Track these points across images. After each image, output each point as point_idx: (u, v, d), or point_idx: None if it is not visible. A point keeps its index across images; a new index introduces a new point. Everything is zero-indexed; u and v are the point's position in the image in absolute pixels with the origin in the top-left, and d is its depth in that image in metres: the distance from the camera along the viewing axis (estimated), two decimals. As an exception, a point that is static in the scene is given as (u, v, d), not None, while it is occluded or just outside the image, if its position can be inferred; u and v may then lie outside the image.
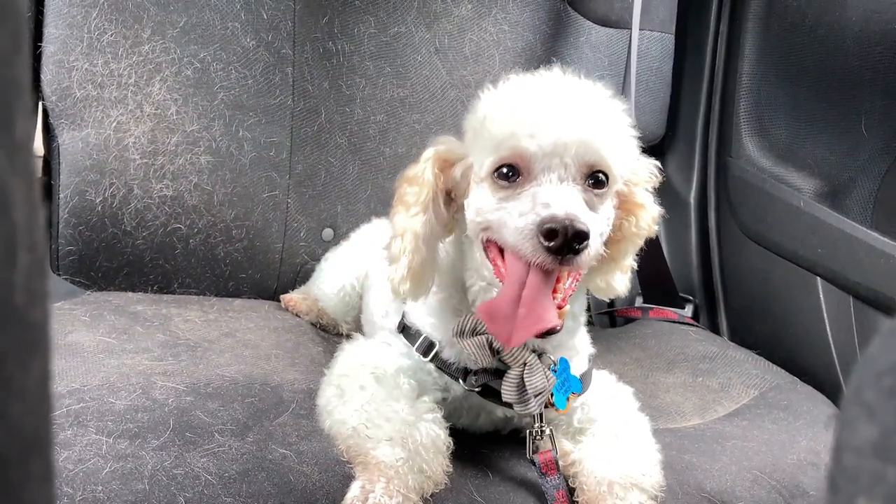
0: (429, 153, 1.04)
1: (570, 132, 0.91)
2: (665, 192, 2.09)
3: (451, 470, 0.97)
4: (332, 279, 1.51)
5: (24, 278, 0.19)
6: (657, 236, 2.02)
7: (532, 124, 0.91)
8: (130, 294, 1.48)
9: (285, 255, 1.64)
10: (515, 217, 0.90)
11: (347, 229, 1.64)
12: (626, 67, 1.66)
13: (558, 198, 0.89)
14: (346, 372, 1.04)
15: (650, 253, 2.02)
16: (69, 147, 1.47)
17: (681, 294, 1.93)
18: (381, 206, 1.71)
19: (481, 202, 0.96)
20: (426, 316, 1.08)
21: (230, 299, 1.56)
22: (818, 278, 1.64)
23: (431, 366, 1.06)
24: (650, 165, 1.08)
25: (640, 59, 1.88)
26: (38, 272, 0.20)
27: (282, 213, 1.62)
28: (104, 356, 1.16)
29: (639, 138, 1.79)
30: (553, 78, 0.98)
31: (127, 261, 1.51)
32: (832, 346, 1.61)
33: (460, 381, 1.04)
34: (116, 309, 1.36)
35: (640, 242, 1.09)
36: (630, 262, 1.11)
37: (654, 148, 2.03)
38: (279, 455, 0.97)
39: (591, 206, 0.94)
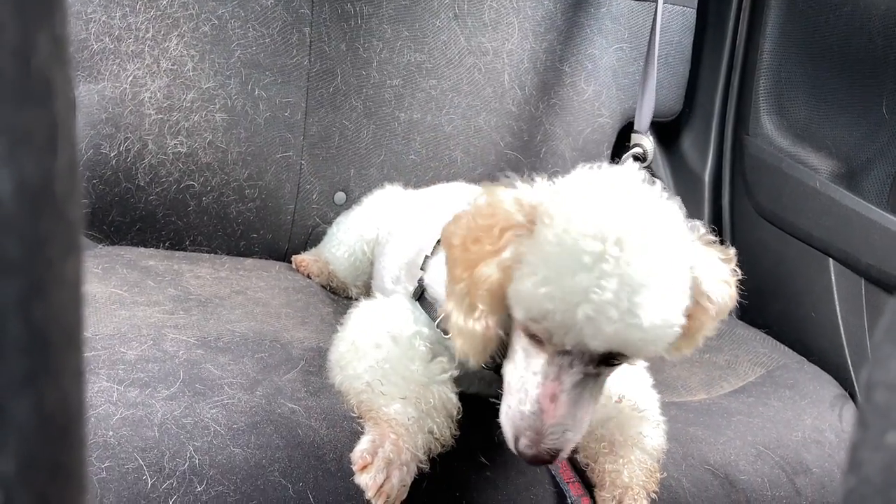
0: (489, 270, 0.84)
1: (607, 334, 0.77)
2: (680, 169, 2.08)
3: (458, 433, 0.97)
4: (343, 243, 1.51)
5: (64, 170, 0.19)
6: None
7: (566, 312, 0.77)
8: (142, 249, 1.48)
9: (297, 216, 1.64)
10: (513, 388, 0.85)
11: (360, 193, 1.64)
12: (650, 41, 1.64)
13: (553, 402, 0.82)
14: (362, 329, 1.04)
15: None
16: (85, 100, 1.47)
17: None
18: (394, 171, 1.70)
19: (514, 342, 0.88)
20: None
21: (241, 258, 1.56)
22: (830, 259, 1.63)
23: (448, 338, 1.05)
24: (725, 283, 0.90)
25: (661, 33, 1.86)
26: (73, 171, 0.20)
27: (295, 175, 1.62)
28: (116, 307, 1.17)
29: (654, 114, 1.77)
30: (618, 228, 0.78)
31: (140, 216, 1.51)
32: (842, 327, 1.61)
33: None
34: (128, 263, 1.37)
35: (722, 315, 0.92)
36: (708, 334, 0.93)
37: (670, 124, 2.02)
38: (288, 409, 0.97)
39: (596, 380, 0.85)
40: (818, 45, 1.68)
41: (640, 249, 0.77)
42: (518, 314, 0.83)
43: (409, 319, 1.06)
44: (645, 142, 1.56)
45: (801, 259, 1.70)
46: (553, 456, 0.83)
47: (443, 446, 0.95)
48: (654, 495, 0.99)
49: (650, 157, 1.56)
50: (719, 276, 0.89)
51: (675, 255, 0.81)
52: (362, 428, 0.95)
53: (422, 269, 1.11)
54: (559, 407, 0.83)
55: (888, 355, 0.23)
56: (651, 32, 1.65)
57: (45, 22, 0.18)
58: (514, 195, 0.87)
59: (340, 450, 0.93)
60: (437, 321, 1.03)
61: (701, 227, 0.91)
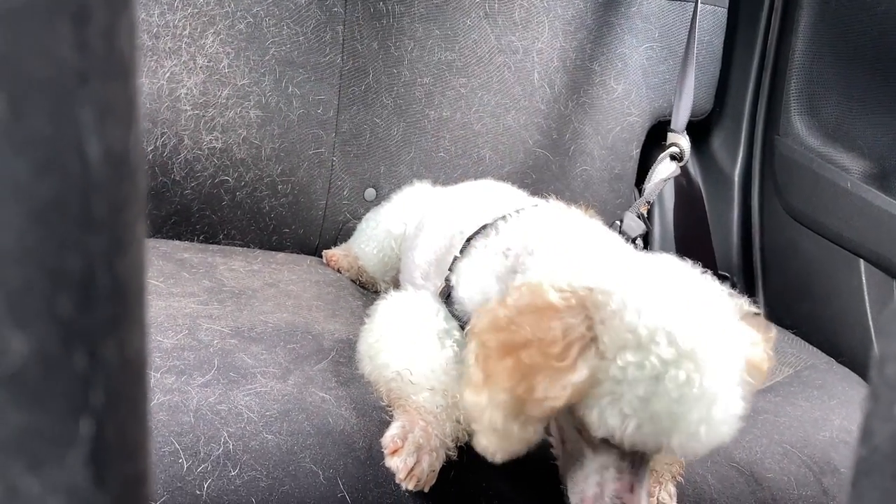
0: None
1: (693, 448, 0.77)
2: (709, 169, 2.07)
3: None
4: (372, 239, 1.53)
5: (137, 142, 0.21)
6: (705, 211, 2.01)
7: (655, 436, 0.75)
8: (177, 242, 1.52)
9: (328, 212, 1.67)
10: (584, 482, 0.84)
11: (389, 190, 1.66)
12: (688, 40, 1.63)
13: (633, 492, 0.82)
14: (392, 320, 1.06)
15: (694, 227, 2.01)
16: (123, 96, 1.51)
17: (719, 271, 1.92)
18: (424, 168, 1.72)
19: (571, 434, 0.86)
20: (477, 294, 1.04)
21: (273, 252, 1.59)
22: (861, 260, 1.62)
23: None
24: (767, 358, 0.90)
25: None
26: (142, 144, 0.22)
27: (326, 171, 1.64)
28: (152, 298, 1.20)
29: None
30: (691, 341, 0.75)
31: (175, 210, 1.55)
32: (871, 328, 1.60)
33: None
34: (164, 255, 1.40)
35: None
36: None
37: (700, 123, 2.02)
38: (319, 398, 1.00)
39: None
40: (851, 45, 1.67)
41: (713, 361, 0.75)
42: (595, 431, 0.78)
43: (440, 316, 1.07)
44: (682, 141, 1.55)
45: (830, 260, 1.69)
46: None
47: (470, 435, 0.96)
48: (679, 478, 1.00)
49: (686, 156, 1.55)
50: (752, 361, 0.86)
51: (738, 353, 0.80)
52: (391, 417, 0.97)
53: (450, 269, 1.12)
54: (638, 497, 0.82)
55: (902, 331, 0.24)
56: (689, 31, 1.65)
57: (124, 8, 0.20)
58: (558, 288, 0.80)
59: (370, 438, 0.95)
60: (466, 331, 1.00)
61: (744, 303, 0.88)
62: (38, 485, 0.18)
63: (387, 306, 1.10)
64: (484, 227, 1.11)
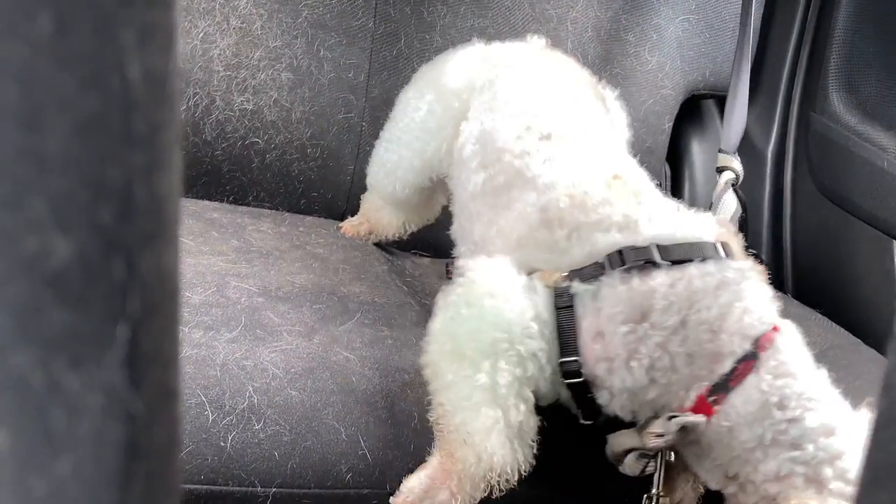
0: None
1: None
2: (742, 145, 2.04)
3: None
4: (387, 159, 1.39)
5: (174, 71, 0.22)
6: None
7: None
8: (207, 202, 1.53)
9: (356, 177, 1.67)
10: None
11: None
12: (740, 38, 1.52)
13: None
14: (459, 331, 0.89)
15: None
16: (157, 55, 1.52)
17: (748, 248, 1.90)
18: (453, 136, 1.72)
19: None
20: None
21: (301, 216, 1.60)
22: (894, 242, 1.60)
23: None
24: None
25: (729, 5, 1.83)
26: (177, 76, 0.22)
27: (355, 136, 1.65)
28: (182, 255, 1.21)
29: (719, 87, 1.71)
30: None
31: (205, 170, 1.56)
32: (901, 312, 1.58)
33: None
34: (193, 214, 1.42)
35: None
36: None
37: (734, 98, 1.99)
38: (343, 358, 1.01)
39: None
40: (893, 20, 1.64)
41: None
42: None
43: (529, 337, 0.87)
44: (735, 164, 1.37)
45: (862, 241, 1.67)
46: None
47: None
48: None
49: (740, 180, 1.37)
50: None
51: None
52: (410, 377, 0.97)
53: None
54: None
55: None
56: (741, 29, 1.48)
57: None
58: None
59: (392, 398, 0.97)
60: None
61: None
62: (79, 382, 0.19)
63: (459, 303, 0.91)
64: (641, 248, 0.86)
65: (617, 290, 0.84)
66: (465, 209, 1.08)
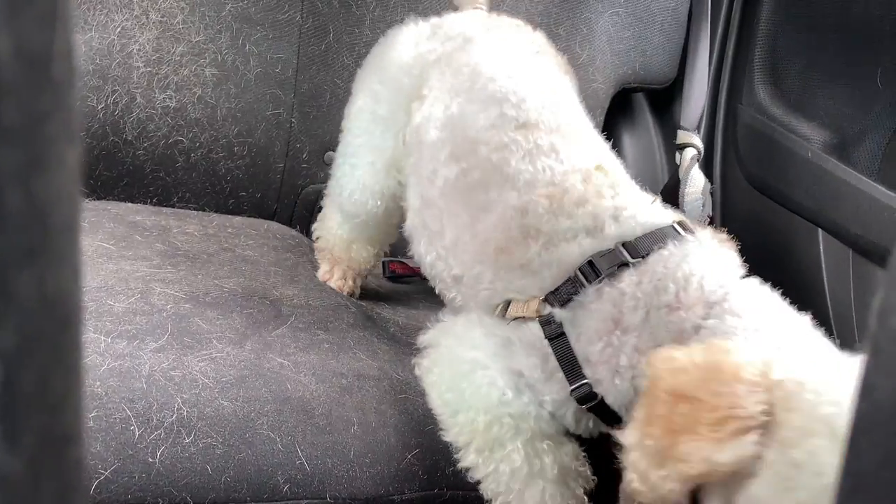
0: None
1: None
2: (671, 137, 2.06)
3: None
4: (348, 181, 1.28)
5: (62, 55, 0.18)
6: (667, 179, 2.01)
7: None
8: (129, 204, 1.46)
9: (287, 175, 1.62)
10: None
11: (350, 154, 1.62)
12: (689, 17, 1.53)
13: None
14: (470, 427, 0.88)
15: (657, 194, 2.00)
16: (71, 50, 1.44)
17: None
18: (386, 132, 1.69)
19: None
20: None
21: (230, 216, 1.55)
22: (819, 230, 1.63)
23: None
24: None
25: (657, -1, 1.84)
26: (70, 62, 0.19)
27: (285, 133, 1.60)
28: (102, 261, 1.15)
29: (649, 80, 1.73)
30: None
31: (127, 171, 1.49)
32: (828, 298, 1.62)
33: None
34: (115, 217, 1.35)
35: None
36: None
37: (664, 91, 2.01)
38: (277, 364, 0.97)
39: None
40: (816, 14, 1.67)
41: None
42: None
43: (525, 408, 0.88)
44: (696, 140, 1.37)
45: (790, 229, 1.70)
46: None
47: None
48: None
49: (701, 155, 1.42)
50: None
51: None
52: (348, 381, 0.94)
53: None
54: None
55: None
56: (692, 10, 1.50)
57: None
58: (755, 365, 0.68)
59: (329, 404, 0.93)
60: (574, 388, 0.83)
61: None
62: (-70, 440, 0.15)
63: (441, 384, 0.91)
64: (612, 251, 0.84)
65: (589, 310, 0.83)
66: (431, 205, 1.01)
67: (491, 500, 0.88)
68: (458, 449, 0.89)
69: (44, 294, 0.17)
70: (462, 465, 0.89)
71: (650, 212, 0.90)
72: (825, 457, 0.62)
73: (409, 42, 1.16)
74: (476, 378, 0.87)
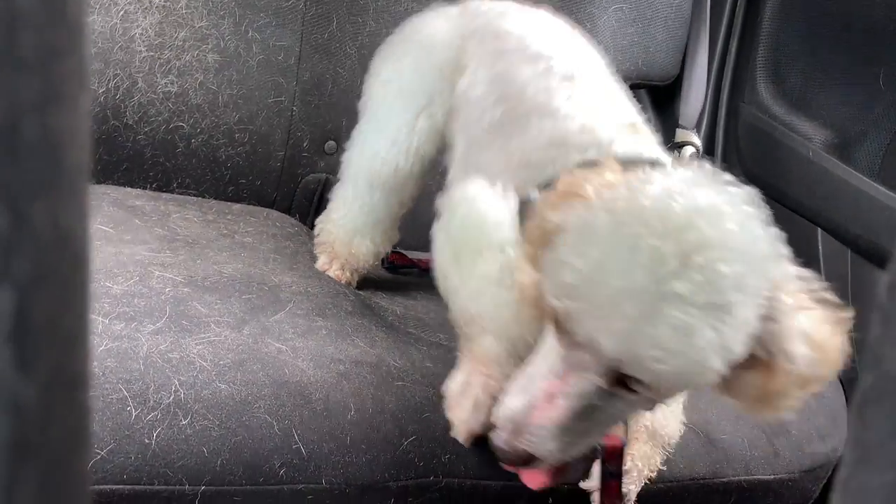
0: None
1: (616, 331, 0.65)
2: (672, 134, 2.06)
3: None
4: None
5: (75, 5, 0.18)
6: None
7: (588, 296, 0.66)
8: (129, 189, 1.46)
9: (287, 163, 1.62)
10: (521, 380, 0.75)
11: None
12: (693, 15, 1.53)
13: (548, 402, 0.70)
14: (461, 235, 0.94)
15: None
16: (73, 33, 1.44)
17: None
18: (387, 122, 1.68)
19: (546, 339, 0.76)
20: None
21: (229, 203, 1.54)
22: (818, 229, 1.64)
23: None
24: (819, 348, 0.73)
25: (661, -5, 1.84)
26: (83, 15, 0.19)
27: (286, 121, 1.60)
28: (101, 243, 1.15)
29: (651, 77, 1.73)
30: (687, 229, 0.65)
31: (127, 155, 1.49)
32: (825, 297, 1.62)
33: None
34: (115, 202, 1.35)
35: (809, 384, 0.74)
36: (791, 402, 0.76)
37: (666, 88, 2.01)
38: (275, 349, 0.97)
39: (612, 406, 0.72)
40: (819, 13, 1.67)
41: (700, 262, 0.64)
42: (545, 286, 0.70)
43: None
44: (694, 139, 1.40)
45: (789, 228, 1.70)
46: (525, 461, 0.72)
47: None
48: (649, 481, 0.99)
49: (700, 154, 1.44)
50: (812, 337, 0.72)
51: (741, 285, 0.67)
52: (345, 367, 0.95)
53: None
54: (553, 409, 0.70)
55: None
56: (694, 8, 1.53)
57: None
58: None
59: (326, 390, 0.93)
60: None
61: (815, 282, 0.77)
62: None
63: (457, 210, 0.95)
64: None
65: None
66: (475, 143, 1.06)
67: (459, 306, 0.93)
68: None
69: (57, 228, 0.17)
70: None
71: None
72: (599, 235, 0.67)
73: (440, 19, 1.22)
74: (476, 205, 0.93)
